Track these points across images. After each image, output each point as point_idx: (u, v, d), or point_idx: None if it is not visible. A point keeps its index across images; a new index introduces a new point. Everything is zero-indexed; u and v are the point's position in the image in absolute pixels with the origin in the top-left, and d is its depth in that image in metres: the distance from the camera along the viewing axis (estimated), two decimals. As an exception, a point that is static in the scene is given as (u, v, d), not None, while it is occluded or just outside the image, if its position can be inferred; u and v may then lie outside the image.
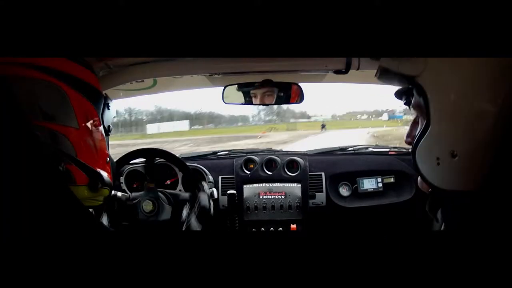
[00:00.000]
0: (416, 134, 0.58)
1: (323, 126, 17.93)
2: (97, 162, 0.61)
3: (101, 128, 0.64)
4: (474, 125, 0.51)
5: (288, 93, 1.14)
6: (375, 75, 0.62)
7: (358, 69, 0.93)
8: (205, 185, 1.48)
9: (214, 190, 1.37)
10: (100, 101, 0.64)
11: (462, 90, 0.52)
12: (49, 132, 0.54)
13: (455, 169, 0.53)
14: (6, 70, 0.51)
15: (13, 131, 0.39)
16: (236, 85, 1.12)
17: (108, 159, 0.65)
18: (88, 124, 0.60)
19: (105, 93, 0.67)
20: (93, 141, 0.61)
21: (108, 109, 0.67)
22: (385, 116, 20.95)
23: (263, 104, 1.17)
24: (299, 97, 1.14)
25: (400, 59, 0.57)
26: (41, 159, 0.43)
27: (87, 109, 0.60)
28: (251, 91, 1.14)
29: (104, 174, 0.62)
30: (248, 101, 1.16)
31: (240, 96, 1.16)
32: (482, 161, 0.51)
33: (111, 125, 0.68)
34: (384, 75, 0.61)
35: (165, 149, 1.29)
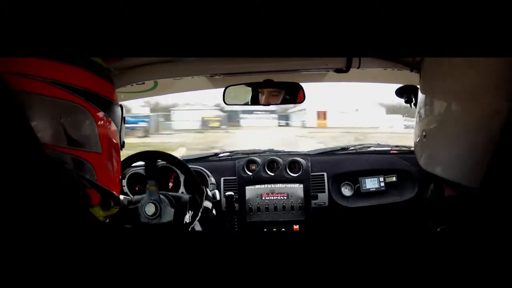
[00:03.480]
0: None
1: None
2: (112, 181, 0.58)
3: (119, 146, 0.61)
4: (441, 111, 0.55)
5: (295, 93, 1.14)
6: None
7: (359, 67, 0.93)
8: (207, 187, 1.48)
9: (216, 192, 1.37)
10: (120, 117, 0.61)
11: (443, 83, 0.55)
12: (73, 159, 0.51)
13: (423, 148, 0.58)
14: (24, 84, 0.46)
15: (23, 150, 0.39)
16: (237, 86, 1.12)
17: (120, 176, 0.63)
18: (110, 147, 0.57)
19: (121, 104, 0.63)
20: (112, 162, 0.58)
21: (125, 123, 0.64)
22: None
23: (268, 104, 1.16)
24: (302, 97, 1.14)
25: None
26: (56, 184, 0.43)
27: (110, 130, 0.57)
28: (258, 88, 1.13)
29: (117, 195, 0.60)
30: (254, 96, 1.15)
31: (243, 96, 1.15)
32: (444, 146, 0.53)
33: (124, 140, 0.65)
34: None
35: (166, 152, 1.29)
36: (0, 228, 0.36)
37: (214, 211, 1.25)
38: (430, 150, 0.57)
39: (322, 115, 21.32)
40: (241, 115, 22.45)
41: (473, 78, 0.49)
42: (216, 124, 20.02)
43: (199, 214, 1.17)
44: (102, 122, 0.55)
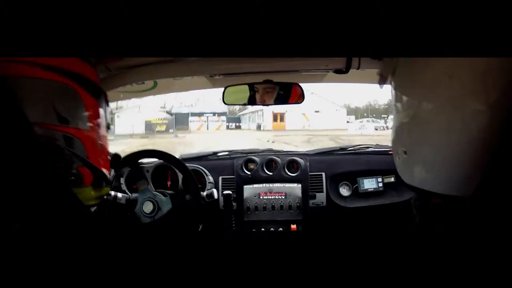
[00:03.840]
0: None
1: None
2: (101, 161, 0.62)
3: (105, 126, 0.65)
4: (422, 128, 0.54)
5: (289, 93, 1.14)
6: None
7: (358, 68, 0.93)
8: (206, 186, 1.49)
9: (214, 190, 1.37)
10: (103, 99, 0.65)
11: (418, 96, 0.55)
12: (64, 136, 0.54)
13: (406, 165, 0.59)
14: (17, 69, 0.50)
15: (13, 133, 0.39)
16: (236, 86, 1.12)
17: (109, 156, 0.66)
18: (96, 124, 0.61)
19: (104, 91, 0.68)
20: (100, 140, 0.62)
21: (108, 105, 0.68)
22: None
23: (264, 104, 1.17)
24: (300, 98, 1.14)
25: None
26: (45, 162, 0.43)
27: (96, 109, 0.61)
28: (255, 86, 1.14)
29: (106, 173, 0.63)
30: (252, 96, 1.15)
31: (242, 95, 1.15)
32: (427, 161, 0.53)
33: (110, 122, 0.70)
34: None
35: (165, 151, 1.29)
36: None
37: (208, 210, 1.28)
38: (414, 166, 0.57)
39: (279, 116, 20.16)
40: (190, 118, 21.05)
41: (449, 89, 0.48)
42: (163, 128, 19.05)
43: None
44: (89, 101, 0.59)
